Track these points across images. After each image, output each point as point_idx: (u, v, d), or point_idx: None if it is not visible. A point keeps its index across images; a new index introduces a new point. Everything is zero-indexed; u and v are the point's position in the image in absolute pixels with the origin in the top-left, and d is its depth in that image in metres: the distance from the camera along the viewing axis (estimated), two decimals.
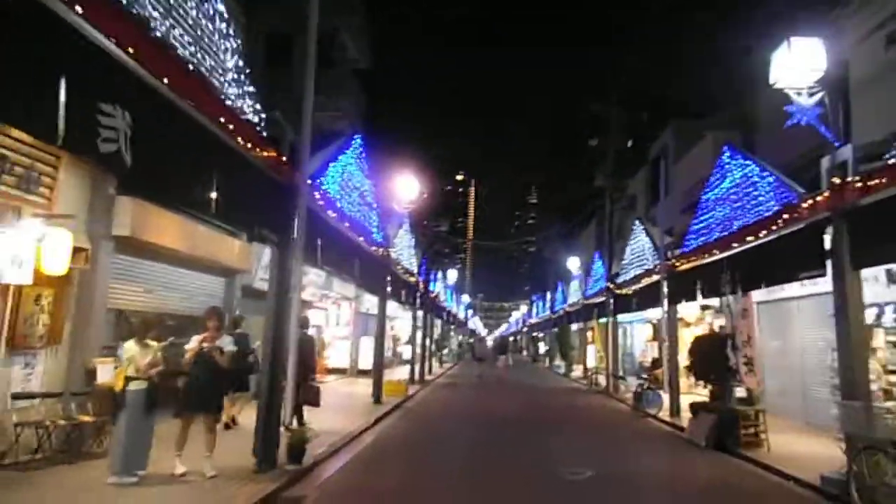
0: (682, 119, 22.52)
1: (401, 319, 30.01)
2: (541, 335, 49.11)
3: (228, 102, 5.81)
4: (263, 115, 6.70)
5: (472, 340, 67.69)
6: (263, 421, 6.80)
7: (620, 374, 19.89)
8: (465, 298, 55.26)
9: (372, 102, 23.90)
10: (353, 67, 22.06)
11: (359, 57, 21.73)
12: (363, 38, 21.98)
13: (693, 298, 13.02)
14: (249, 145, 6.05)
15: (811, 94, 7.32)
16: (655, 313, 22.62)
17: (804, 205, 7.84)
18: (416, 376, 20.20)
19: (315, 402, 9.00)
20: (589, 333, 30.87)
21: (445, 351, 37.68)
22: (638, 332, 27.09)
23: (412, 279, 18.54)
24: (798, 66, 7.30)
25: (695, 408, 10.87)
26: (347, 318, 22.10)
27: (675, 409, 13.26)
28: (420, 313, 21.96)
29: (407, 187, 14.27)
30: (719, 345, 10.40)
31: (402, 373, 20.69)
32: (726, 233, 10.39)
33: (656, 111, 22.27)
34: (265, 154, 6.47)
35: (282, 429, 7.06)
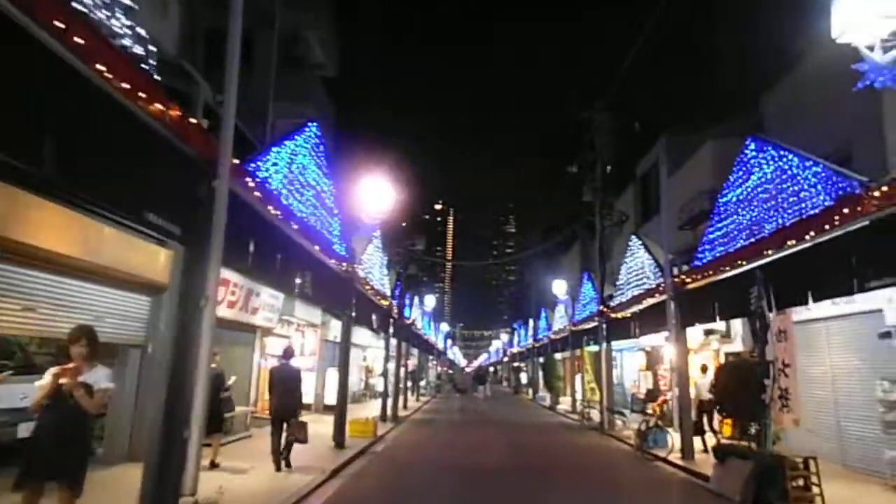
0: (674, 133, 21.17)
1: (374, 349, 27.81)
2: (523, 365, 47.04)
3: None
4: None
5: (451, 371, 65.43)
6: (152, 493, 4.70)
7: (618, 408, 17.98)
8: (444, 327, 53.06)
9: (340, 113, 22.12)
10: (319, 74, 20.35)
11: (325, 62, 20.03)
12: (330, 39, 20.33)
13: (710, 319, 11.26)
14: (128, 86, 4.12)
15: (888, 49, 5.68)
16: (649, 340, 20.96)
17: (875, 194, 6.14)
18: (389, 413, 18.01)
19: (303, 439, 8.97)
20: (575, 363, 28.97)
21: (423, 383, 35.36)
22: (628, 361, 25.29)
23: (384, 302, 16.54)
24: (870, 12, 5.68)
25: (722, 451, 8.98)
26: (312, 347, 19.87)
27: (687, 451, 11.36)
28: (393, 341, 19.84)
29: (377, 195, 12.39)
30: (753, 374, 8.58)
31: (374, 408, 18.49)
32: (755, 238, 8.69)
33: (647, 121, 20.93)
34: (160, 107, 4.54)
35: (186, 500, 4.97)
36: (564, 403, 27.25)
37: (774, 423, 8.82)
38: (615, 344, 21.07)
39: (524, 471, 10.54)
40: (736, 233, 9.42)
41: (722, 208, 10.09)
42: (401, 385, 26.54)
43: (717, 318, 10.17)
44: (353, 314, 12.21)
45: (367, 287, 13.58)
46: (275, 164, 7.24)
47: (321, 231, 9.45)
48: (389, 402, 18.24)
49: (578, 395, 24.66)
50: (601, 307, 18.08)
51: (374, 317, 15.54)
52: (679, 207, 17.99)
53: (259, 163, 6.70)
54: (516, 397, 39.74)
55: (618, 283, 16.77)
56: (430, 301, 32.01)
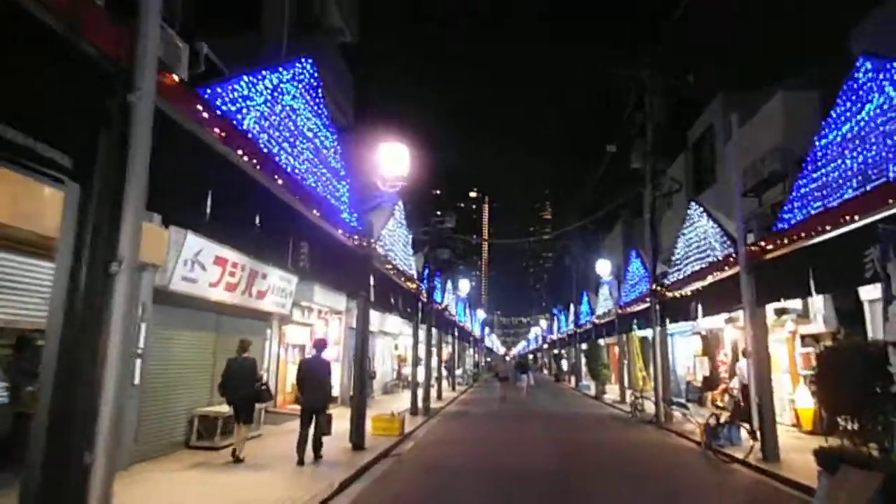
0: (732, 91, 18.85)
1: (406, 336, 26.36)
2: (564, 352, 45.03)
3: None
4: None
5: (490, 360, 63.71)
6: None
7: (680, 399, 16.04)
8: (481, 314, 51.41)
9: (360, 85, 20.48)
10: (337, 40, 18.74)
11: (344, 27, 18.39)
12: (349, 1, 18.68)
13: (798, 293, 9.32)
14: None
15: None
16: (707, 323, 18.82)
17: None
18: (420, 405, 16.49)
19: (328, 432, 8.88)
20: (624, 348, 26.77)
21: (459, 372, 33.82)
22: (681, 347, 23.14)
23: (410, 285, 14.94)
24: None
25: (829, 458, 7.05)
26: (337, 335, 18.47)
27: (770, 452, 9.42)
28: (424, 329, 18.27)
29: (394, 158, 10.74)
30: (872, 361, 6.61)
31: (406, 399, 16.97)
32: (874, 184, 6.69)
33: (700, 81, 18.63)
34: None
35: None
36: (611, 392, 25.29)
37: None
38: (667, 328, 19.05)
39: (575, 476, 8.80)
40: (842, 181, 7.41)
41: (819, 154, 8.06)
42: (434, 375, 25.14)
43: (814, 291, 8.16)
44: (371, 296, 10.62)
45: (389, 266, 11.98)
46: (248, 98, 5.63)
47: (323, 194, 7.85)
48: (420, 393, 16.70)
49: (627, 384, 22.71)
50: (653, 286, 16.08)
51: (398, 300, 13.95)
52: (742, 172, 15.80)
53: (220, 89, 5.09)
54: (558, 385, 37.85)
55: (674, 258, 14.75)
56: (465, 286, 30.32)
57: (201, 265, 9.00)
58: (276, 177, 6.05)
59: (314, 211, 7.34)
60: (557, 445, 11.88)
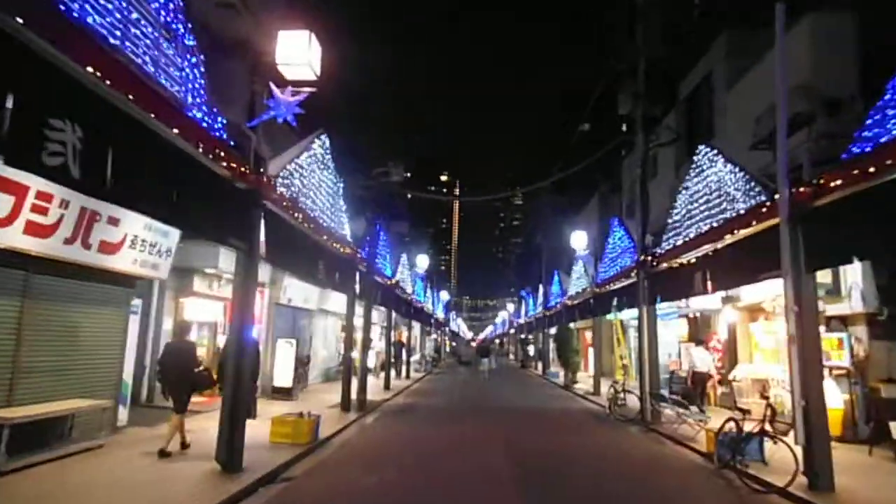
0: (736, 31, 15.93)
1: (357, 317, 23.13)
2: (531, 337, 42.39)
3: None
4: None
5: (454, 344, 60.89)
6: None
7: (671, 395, 13.32)
8: (445, 296, 48.41)
9: None
10: None
11: None
12: None
13: (870, 253, 6.46)
14: None
15: None
16: (701, 304, 16.10)
17: None
18: (355, 398, 13.36)
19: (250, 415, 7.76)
20: (589, 334, 23.97)
21: (416, 357, 30.77)
22: (662, 332, 20.45)
23: (342, 249, 11.73)
24: None
25: None
26: (259, 312, 15.16)
27: (822, 477, 6.61)
28: (383, 311, 15.09)
29: (298, 50, 7.46)
30: None
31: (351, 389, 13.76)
32: None
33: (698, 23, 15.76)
34: None
35: None
36: (583, 382, 22.58)
37: None
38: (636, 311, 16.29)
39: None
40: None
41: None
42: (379, 361, 22.01)
43: None
44: (262, 251, 7.38)
45: (297, 215, 8.72)
46: None
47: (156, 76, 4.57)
48: (355, 383, 13.56)
49: (599, 372, 19.96)
50: (641, 257, 13.20)
51: (322, 266, 10.74)
52: (754, 120, 12.95)
53: None
54: (524, 372, 35.17)
55: (671, 220, 11.85)
56: (424, 261, 27.13)
57: None
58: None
59: (129, 94, 4.08)
60: (520, 460, 8.88)
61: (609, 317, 19.79)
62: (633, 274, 14.00)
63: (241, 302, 7.22)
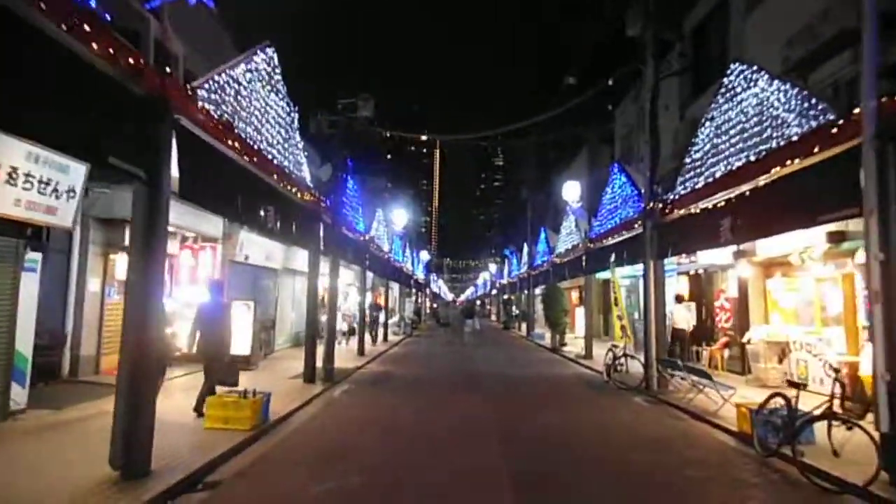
0: None
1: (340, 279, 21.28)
2: (513, 297, 41.03)
3: None
4: None
5: (435, 305, 59.45)
6: None
7: (682, 362, 11.82)
8: (425, 255, 46.66)
9: None
10: None
11: None
12: None
13: None
14: None
15: None
16: (709, 259, 14.53)
17: None
18: (320, 367, 11.64)
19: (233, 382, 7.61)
20: (576, 293, 22.35)
21: (394, 320, 29.15)
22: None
23: (299, 194, 9.80)
24: None
25: None
26: (209, 271, 13.24)
27: None
28: (346, 267, 13.23)
29: None
30: None
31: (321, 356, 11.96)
32: None
33: None
34: None
35: None
36: (572, 344, 21.18)
37: None
38: (634, 268, 14.73)
39: None
40: None
41: None
42: (351, 324, 20.31)
43: None
44: (169, 183, 5.45)
45: (228, 139, 6.76)
46: None
47: None
48: (321, 351, 11.82)
49: (581, 332, 18.49)
50: (650, 204, 11.48)
51: (273, 214, 8.81)
52: (785, 43, 11.12)
53: None
54: (507, 334, 33.86)
55: (689, 160, 10.09)
56: (401, 218, 25.20)
57: None
58: None
59: None
60: (514, 446, 7.27)
61: (604, 274, 18.28)
62: (637, 225, 12.32)
63: (141, 253, 5.29)
